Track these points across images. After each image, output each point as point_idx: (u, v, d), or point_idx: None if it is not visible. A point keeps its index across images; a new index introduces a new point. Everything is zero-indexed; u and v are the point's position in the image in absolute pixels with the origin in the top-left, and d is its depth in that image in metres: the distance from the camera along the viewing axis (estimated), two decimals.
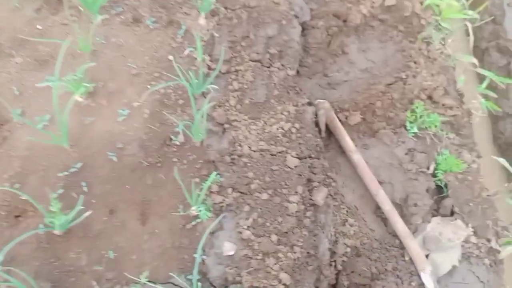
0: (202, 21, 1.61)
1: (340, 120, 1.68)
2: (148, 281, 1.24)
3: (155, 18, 1.60)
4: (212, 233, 1.31)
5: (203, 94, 1.50)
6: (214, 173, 1.33)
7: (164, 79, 1.49)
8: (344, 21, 1.79)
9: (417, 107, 1.69)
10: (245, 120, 1.47)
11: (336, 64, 1.75)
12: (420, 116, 1.67)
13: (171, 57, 1.52)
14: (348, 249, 1.51)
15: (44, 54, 1.48)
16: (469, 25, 1.96)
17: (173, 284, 1.26)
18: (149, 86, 1.47)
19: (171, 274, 1.26)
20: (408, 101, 1.70)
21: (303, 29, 1.72)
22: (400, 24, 1.88)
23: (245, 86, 1.51)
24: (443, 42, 1.92)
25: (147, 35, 1.58)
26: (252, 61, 1.54)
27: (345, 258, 1.50)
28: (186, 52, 1.53)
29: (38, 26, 1.52)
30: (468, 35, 1.96)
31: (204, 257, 1.29)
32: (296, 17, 1.66)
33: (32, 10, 1.53)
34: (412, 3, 1.90)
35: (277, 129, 1.46)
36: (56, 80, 1.29)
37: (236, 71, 1.53)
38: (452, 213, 1.59)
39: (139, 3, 1.61)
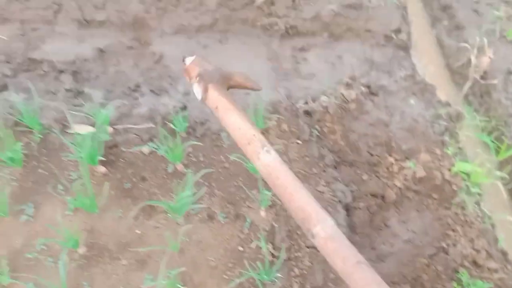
0: (263, 213, 2.02)
1: None
2: None
3: (225, 214, 2.03)
4: None
5: (271, 282, 1.83)
6: None
7: (237, 270, 1.85)
8: (382, 197, 2.14)
9: (462, 276, 1.90)
10: None
11: (381, 238, 2.05)
12: (467, 285, 1.88)
13: (241, 248, 1.90)
14: None
15: (143, 255, 1.91)
16: (501, 186, 2.24)
17: None
18: (225, 276, 1.83)
19: None
20: (452, 270, 1.93)
21: (347, 209, 2.07)
22: (433, 192, 2.19)
23: (305, 271, 1.83)
24: (477, 205, 2.20)
25: (219, 230, 1.99)
26: (308, 247, 1.89)
27: None
28: (254, 244, 1.91)
29: (137, 231, 1.98)
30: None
31: None
32: (340, 202, 2.04)
33: (131, 218, 2.01)
34: (441, 172, 2.24)
35: None
36: (157, 281, 1.68)
37: (295, 257, 1.87)
38: None
39: (211, 202, 2.06)
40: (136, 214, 2.02)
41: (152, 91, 2.69)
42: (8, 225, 1.97)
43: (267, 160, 1.34)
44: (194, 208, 2.02)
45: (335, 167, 2.15)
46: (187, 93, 2.61)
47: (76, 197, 1.97)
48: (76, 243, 1.86)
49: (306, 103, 2.40)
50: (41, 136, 2.21)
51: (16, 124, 2.22)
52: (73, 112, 2.26)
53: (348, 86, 2.44)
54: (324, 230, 1.26)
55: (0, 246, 1.91)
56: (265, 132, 2.22)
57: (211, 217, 2.02)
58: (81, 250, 1.91)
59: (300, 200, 1.32)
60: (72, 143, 2.06)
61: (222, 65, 2.85)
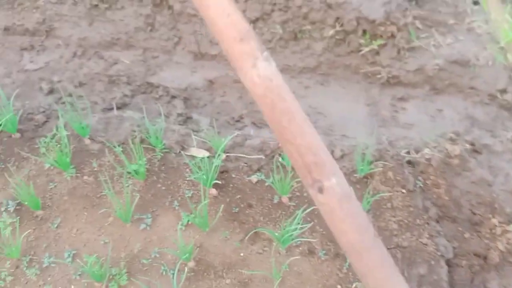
0: None
1: None
2: None
3: (325, 251, 2.12)
4: None
5: None
6: None
7: None
8: (484, 258, 2.12)
9: None
10: None
11: None
12: None
13: (339, 287, 1.98)
14: None
15: (246, 277, 2.04)
16: None
17: None
18: None
19: None
20: None
21: (448, 265, 2.08)
22: None
23: None
24: None
25: (319, 265, 2.08)
26: None
27: None
28: (354, 285, 1.98)
29: (241, 254, 2.13)
30: None
31: None
32: (442, 256, 2.05)
33: (238, 241, 2.16)
34: None
35: None
36: None
37: None
38: None
39: (312, 237, 2.17)
40: (242, 238, 2.17)
41: (253, 123, 2.91)
42: (129, 231, 2.20)
43: (266, 71, 0.90)
44: (296, 240, 2.13)
45: (438, 221, 2.17)
46: None
47: (191, 214, 2.17)
48: (189, 257, 2.04)
49: (408, 152, 2.47)
50: (162, 154, 2.47)
51: (142, 141, 2.50)
52: (193, 137, 2.50)
53: (452, 141, 2.48)
54: (341, 185, 0.96)
55: (120, 249, 2.15)
56: (369, 177, 2.31)
57: (311, 252, 2.12)
58: (191, 263, 2.08)
59: (312, 138, 1.00)
60: (192, 165, 2.28)
61: (322, 107, 3.04)
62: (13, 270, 2.08)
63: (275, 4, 3.07)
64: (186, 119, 2.93)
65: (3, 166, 2.42)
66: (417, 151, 2.47)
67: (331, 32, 3.03)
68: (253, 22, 3.19)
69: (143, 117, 2.59)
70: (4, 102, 2.48)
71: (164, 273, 2.06)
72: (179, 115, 2.92)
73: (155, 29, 3.35)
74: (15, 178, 2.28)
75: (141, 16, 3.32)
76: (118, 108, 2.89)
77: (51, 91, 3.02)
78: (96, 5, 3.35)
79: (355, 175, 2.35)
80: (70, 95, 2.93)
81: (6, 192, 2.32)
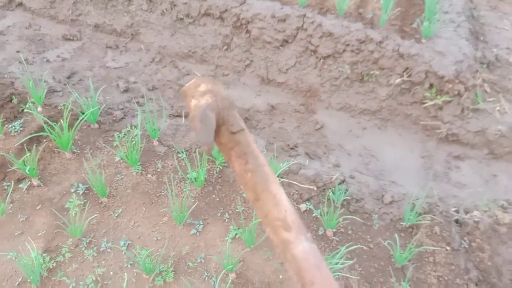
0: None
1: None
2: None
3: None
4: None
5: None
6: None
7: None
8: None
9: None
10: None
11: None
12: None
13: None
14: None
15: None
16: None
17: None
18: None
19: None
20: None
21: None
22: None
23: None
24: None
25: None
26: None
27: None
28: None
29: (280, 276, 2.27)
30: None
31: None
32: None
33: (278, 262, 2.31)
34: None
35: None
36: None
37: None
38: None
39: (350, 274, 2.28)
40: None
41: (307, 154, 3.07)
42: (180, 233, 2.41)
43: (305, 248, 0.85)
44: (334, 274, 2.25)
45: (477, 285, 2.23)
46: (337, 165, 2.92)
47: (239, 228, 2.34)
48: (232, 268, 2.21)
49: (458, 211, 2.54)
50: (221, 168, 2.68)
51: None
52: None
53: (503, 208, 2.53)
54: None
55: (170, 249, 2.35)
56: (415, 228, 2.41)
57: None
58: (232, 275, 2.24)
59: None
60: None
61: (376, 150, 3.17)
62: (72, 248, 2.32)
63: (348, 45, 3.26)
64: None
65: (79, 151, 2.71)
66: (466, 212, 2.54)
67: (398, 80, 3.18)
68: (324, 58, 3.39)
69: None
70: (92, 94, 2.78)
71: (206, 278, 2.24)
72: None
73: (230, 49, 3.63)
74: (89, 164, 2.55)
75: (219, 35, 3.61)
76: (185, 117, 3.15)
77: (126, 90, 3.34)
78: (181, 19, 3.67)
79: (401, 223, 2.45)
80: (142, 96, 3.23)
81: (78, 176, 2.59)
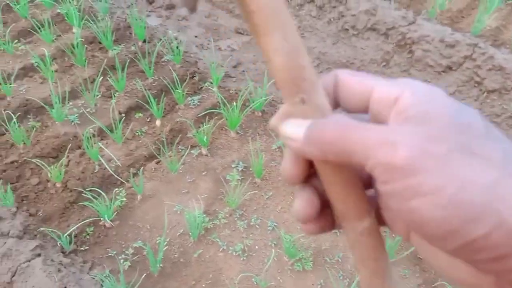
0: None
1: None
2: None
3: None
4: None
5: None
6: None
7: None
8: None
9: None
10: None
11: None
12: None
13: None
14: None
15: None
16: None
17: None
18: None
19: None
20: None
21: None
22: None
23: None
24: None
25: None
26: None
27: None
28: None
29: None
30: None
31: None
32: None
33: (415, 284, 2.36)
34: None
35: None
36: None
37: None
38: None
39: None
40: (420, 283, 2.36)
41: None
42: None
43: None
44: None
45: None
46: None
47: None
48: None
49: None
50: None
51: None
52: None
53: None
54: None
55: (311, 241, 2.53)
56: None
57: None
58: None
59: None
60: None
61: None
62: (227, 216, 2.63)
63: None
64: None
65: (242, 133, 3.05)
66: None
67: None
68: (488, 92, 3.31)
69: None
70: (264, 84, 3.10)
71: (341, 278, 2.38)
72: None
73: (388, 65, 3.72)
74: (251, 145, 2.86)
75: (381, 50, 3.72)
76: None
77: None
78: (346, 29, 3.86)
79: None
80: None
81: (239, 155, 2.92)
